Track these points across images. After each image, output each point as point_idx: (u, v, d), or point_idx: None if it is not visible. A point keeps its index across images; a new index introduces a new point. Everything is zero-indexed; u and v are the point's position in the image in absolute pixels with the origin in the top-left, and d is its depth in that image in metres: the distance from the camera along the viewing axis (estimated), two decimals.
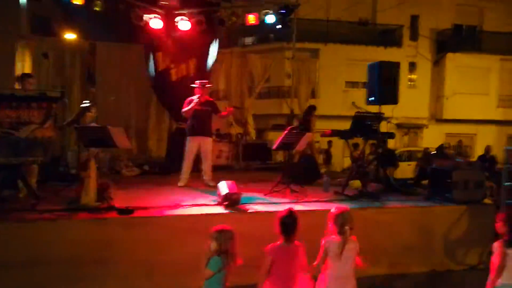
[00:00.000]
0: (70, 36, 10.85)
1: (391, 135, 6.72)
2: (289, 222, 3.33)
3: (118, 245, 4.21)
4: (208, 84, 6.89)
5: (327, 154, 12.70)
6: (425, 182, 7.46)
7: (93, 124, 4.95)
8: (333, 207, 3.54)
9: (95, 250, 4.14)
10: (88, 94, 8.74)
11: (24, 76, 5.55)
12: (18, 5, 8.65)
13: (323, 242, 3.39)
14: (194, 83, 6.70)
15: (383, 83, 6.82)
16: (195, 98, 6.50)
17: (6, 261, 3.90)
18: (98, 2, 7.85)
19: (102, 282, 4.05)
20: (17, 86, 6.18)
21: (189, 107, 6.47)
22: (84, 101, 5.64)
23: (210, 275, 3.07)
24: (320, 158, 10.23)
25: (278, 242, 3.35)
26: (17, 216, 4.28)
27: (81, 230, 4.21)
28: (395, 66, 7.09)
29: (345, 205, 3.75)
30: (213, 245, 3.10)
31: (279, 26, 9.35)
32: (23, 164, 4.89)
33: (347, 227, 3.29)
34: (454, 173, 5.63)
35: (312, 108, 9.07)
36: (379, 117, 6.17)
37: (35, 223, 4.17)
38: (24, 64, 8.49)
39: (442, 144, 9.82)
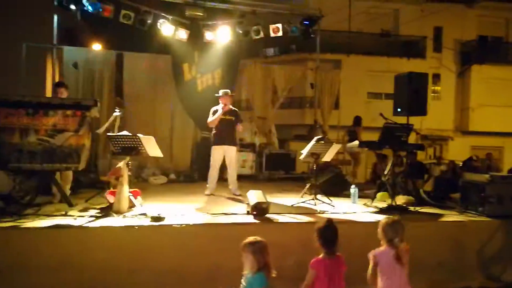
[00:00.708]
0: (97, 46, 11.14)
1: (421, 147, 6.62)
2: (329, 234, 3.27)
3: (149, 253, 4.23)
4: (232, 93, 6.95)
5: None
6: (454, 195, 7.29)
7: (125, 132, 5.01)
8: (381, 219, 3.46)
9: (128, 257, 4.16)
10: (116, 103, 8.92)
11: (58, 85, 5.71)
12: (51, 16, 8.93)
13: (372, 255, 3.32)
14: (218, 93, 6.76)
15: (412, 94, 6.77)
16: (219, 107, 6.55)
17: (38, 265, 3.95)
18: (127, 14, 8.04)
19: None
20: (50, 94, 6.37)
21: (215, 117, 6.52)
22: (115, 109, 5.74)
23: None
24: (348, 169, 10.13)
25: (320, 256, 3.28)
26: (49, 223, 4.35)
27: (113, 237, 4.24)
28: (424, 77, 7.04)
29: (395, 216, 3.65)
30: (251, 259, 3.04)
31: (304, 38, 9.40)
32: (57, 170, 5.00)
33: (397, 239, 3.24)
34: (488, 187, 5.48)
35: (359, 119, 9.02)
36: (408, 128, 6.08)
37: (69, 229, 4.23)
38: (54, 74, 8.74)
39: (471, 157, 9.58)
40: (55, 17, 8.59)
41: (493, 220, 5.30)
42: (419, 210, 5.81)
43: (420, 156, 9.77)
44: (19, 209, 4.67)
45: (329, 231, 3.26)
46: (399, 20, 18.60)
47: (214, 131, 6.70)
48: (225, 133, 6.58)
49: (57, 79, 8.70)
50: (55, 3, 7.76)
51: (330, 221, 3.33)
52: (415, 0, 18.37)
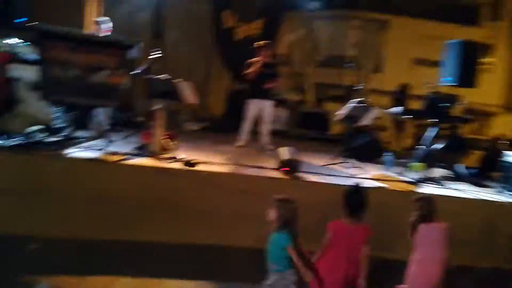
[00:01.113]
0: None
1: (466, 120, 6.28)
2: (355, 199, 3.16)
3: (180, 195, 4.34)
4: (271, 46, 6.72)
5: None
6: (495, 174, 6.99)
7: (165, 75, 4.98)
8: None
9: (159, 196, 4.29)
10: (154, 46, 8.85)
11: (98, 21, 5.65)
12: None
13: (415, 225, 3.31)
14: (256, 44, 6.54)
15: (462, 64, 6.33)
16: (257, 60, 6.36)
17: (74, 196, 4.14)
18: None
19: (164, 226, 4.23)
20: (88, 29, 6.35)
21: (252, 69, 6.36)
22: (154, 51, 5.67)
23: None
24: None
25: (341, 219, 3.22)
26: (89, 156, 4.49)
27: (147, 176, 4.35)
28: (477, 46, 6.54)
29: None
30: (277, 216, 3.01)
31: None
32: (95, 106, 5.09)
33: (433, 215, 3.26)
34: None
35: (406, 86, 8.61)
36: (454, 99, 5.75)
37: (105, 163, 4.36)
38: (95, 9, 8.67)
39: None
40: None
41: None
42: (455, 186, 5.61)
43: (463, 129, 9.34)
44: (58, 140, 4.83)
45: (356, 196, 3.17)
46: None
47: (250, 84, 6.57)
48: (262, 86, 6.45)
49: (96, 13, 8.67)
50: None
51: (358, 186, 3.22)
52: None
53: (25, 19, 5.74)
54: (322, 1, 17.11)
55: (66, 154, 4.41)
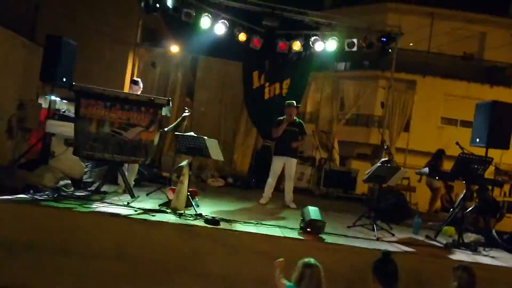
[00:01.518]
0: (175, 48, 11.67)
1: (499, 183, 6.05)
2: (387, 269, 2.91)
3: (200, 255, 4.27)
4: (298, 105, 6.90)
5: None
6: None
7: (191, 133, 5.15)
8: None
9: (179, 256, 4.24)
10: (185, 103, 9.27)
11: (133, 82, 6.00)
12: (136, 16, 9.51)
13: None
14: (284, 103, 6.74)
15: (494, 126, 6.22)
16: (284, 118, 6.52)
17: (94, 252, 4.16)
18: (207, 19, 8.31)
19: None
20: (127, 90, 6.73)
21: (279, 128, 6.49)
22: (185, 110, 5.93)
23: None
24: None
25: None
26: (113, 211, 4.57)
27: (168, 233, 4.35)
28: (510, 107, 6.44)
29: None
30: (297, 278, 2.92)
31: (379, 55, 9.10)
32: (126, 162, 5.26)
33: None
34: None
35: (442, 152, 8.53)
36: (487, 161, 5.59)
37: (128, 219, 4.40)
38: (134, 71, 9.29)
39: None
40: (140, 18, 9.14)
41: None
42: (489, 252, 5.29)
43: (495, 192, 8.97)
44: (86, 194, 4.97)
45: (387, 266, 2.91)
46: (484, 44, 17.37)
47: (276, 141, 6.68)
48: (287, 144, 6.54)
49: (136, 75, 9.26)
50: (142, 5, 8.23)
51: (387, 255, 2.99)
52: (505, 24, 17.05)
53: (67, 78, 6.18)
54: (350, 61, 17.71)
55: (90, 208, 4.49)
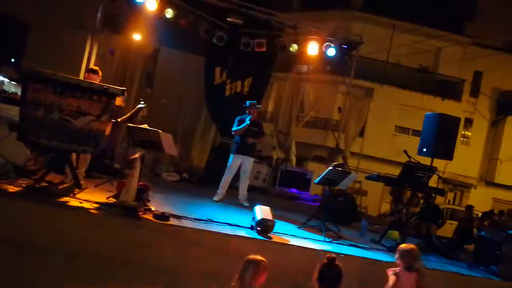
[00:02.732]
0: (136, 36, 11.33)
1: (441, 192, 6.39)
2: (330, 275, 2.93)
3: (147, 249, 4.19)
4: (259, 105, 6.94)
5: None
6: (468, 246, 7.01)
7: (145, 126, 5.03)
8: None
9: (123, 249, 4.13)
10: (144, 94, 9.06)
11: (90, 71, 5.76)
12: (96, 1, 9.15)
13: (393, 273, 3.57)
14: (245, 103, 6.74)
15: (440, 137, 6.55)
16: (246, 118, 6.52)
17: (32, 241, 3.94)
18: (170, 10, 8.15)
19: (126, 282, 4.01)
20: (82, 77, 6.48)
21: (241, 127, 6.49)
22: (140, 101, 5.78)
23: None
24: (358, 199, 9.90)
25: None
26: (58, 201, 4.37)
27: (115, 227, 4.23)
28: (456, 121, 6.81)
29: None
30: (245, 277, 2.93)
31: (340, 61, 9.33)
32: (73, 151, 5.05)
33: (416, 264, 3.50)
34: (505, 246, 5.22)
35: (471, 207, 8.78)
36: (431, 170, 5.88)
37: (72, 210, 4.24)
38: (91, 57, 8.93)
39: (492, 210, 9.21)
40: (101, 2, 8.79)
41: (503, 282, 5.03)
42: (428, 257, 5.57)
43: (439, 200, 9.48)
44: (29, 182, 4.72)
45: (331, 272, 2.94)
46: (439, 59, 18.27)
47: (235, 140, 6.66)
48: (246, 143, 6.55)
49: (93, 62, 8.91)
50: None
51: (332, 260, 2.98)
52: (460, 42, 18.03)
53: (16, 59, 5.86)
54: (312, 65, 18.02)
55: (32, 198, 4.28)
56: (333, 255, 3.10)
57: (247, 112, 6.60)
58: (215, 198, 6.59)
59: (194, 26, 8.50)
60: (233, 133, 6.64)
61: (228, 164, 6.66)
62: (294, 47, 8.97)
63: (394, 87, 17.41)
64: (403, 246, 3.75)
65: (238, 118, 6.66)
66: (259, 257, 3.06)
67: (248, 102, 6.74)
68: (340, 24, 14.01)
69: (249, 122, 6.45)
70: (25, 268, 3.81)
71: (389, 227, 6.28)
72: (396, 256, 3.67)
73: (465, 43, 18.08)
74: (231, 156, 6.66)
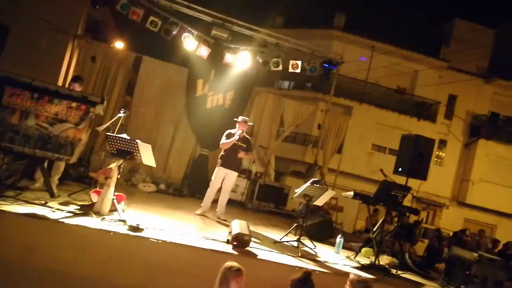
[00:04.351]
0: (119, 44, 11.26)
1: (415, 212, 6.52)
2: None
3: (118, 262, 4.09)
4: (250, 122, 6.95)
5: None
6: (439, 265, 7.15)
7: (124, 135, 4.97)
8: (351, 274, 3.36)
9: (96, 262, 4.02)
10: (124, 102, 8.94)
11: (74, 79, 5.65)
12: (82, 4, 9.05)
13: None
14: (236, 118, 6.72)
15: (416, 157, 6.73)
16: (236, 132, 6.51)
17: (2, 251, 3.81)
18: (155, 20, 8.15)
19: None
20: (61, 83, 6.34)
21: (229, 140, 6.46)
22: (120, 110, 5.71)
23: None
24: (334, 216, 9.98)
25: None
26: (26, 210, 4.25)
27: (86, 237, 4.12)
28: (431, 142, 7.02)
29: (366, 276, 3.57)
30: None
31: (320, 79, 9.50)
32: (47, 159, 4.93)
33: None
34: (475, 266, 5.36)
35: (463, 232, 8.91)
36: (406, 189, 6.01)
37: (43, 220, 4.12)
38: (71, 63, 8.80)
39: (463, 230, 9.44)
40: (84, 8, 8.71)
41: None
42: (401, 275, 5.66)
43: (412, 218, 9.65)
44: (0, 189, 4.57)
45: (306, 286, 3.03)
46: (416, 81, 18.85)
47: (222, 153, 6.63)
48: (233, 158, 6.52)
49: (73, 68, 8.77)
50: None
51: (307, 275, 3.09)
52: (436, 65, 18.66)
53: None
54: (293, 81, 18.28)
55: (1, 205, 4.14)
56: (309, 270, 3.13)
57: (237, 126, 6.59)
58: (198, 212, 6.52)
59: (179, 38, 8.51)
60: (220, 146, 6.61)
61: (213, 177, 6.61)
62: (276, 63, 9.07)
63: (372, 106, 17.81)
64: (355, 277, 3.36)
65: (227, 131, 6.64)
66: (237, 264, 3.06)
67: (241, 118, 6.73)
68: (322, 43, 14.29)
69: (237, 136, 6.44)
70: None
71: (364, 245, 6.35)
72: (347, 285, 3.31)
73: (441, 67, 18.74)
74: (217, 169, 6.60)
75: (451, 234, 10.56)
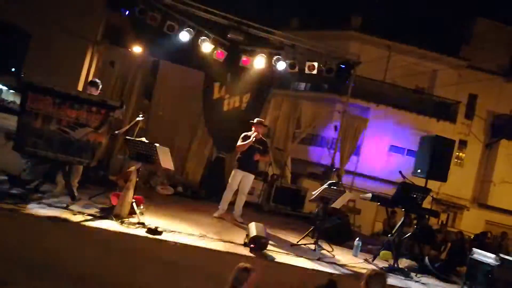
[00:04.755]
0: (137, 49, 11.42)
1: (435, 214, 6.41)
2: None
3: (138, 263, 4.16)
4: (266, 124, 6.96)
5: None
6: (461, 269, 7.00)
7: (143, 139, 5.04)
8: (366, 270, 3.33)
9: (115, 263, 4.09)
10: (142, 106, 9.08)
11: (91, 83, 5.78)
12: (101, 11, 9.24)
13: None
14: (252, 120, 6.73)
15: (435, 158, 6.63)
16: (251, 134, 6.53)
17: (25, 254, 3.89)
18: (172, 25, 8.25)
19: None
20: (81, 87, 6.47)
21: (245, 143, 6.48)
22: (139, 114, 5.79)
23: None
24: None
25: None
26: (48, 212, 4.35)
27: (106, 240, 4.20)
28: (451, 143, 6.90)
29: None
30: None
31: (337, 80, 9.44)
32: (69, 162, 5.04)
33: None
34: (497, 270, 5.23)
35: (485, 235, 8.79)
36: (426, 191, 5.92)
37: (65, 223, 4.22)
38: (91, 68, 8.99)
39: (484, 232, 9.22)
40: (104, 14, 8.89)
41: None
42: (421, 279, 5.57)
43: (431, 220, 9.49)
44: (23, 193, 4.70)
45: None
46: (435, 81, 18.54)
47: (239, 155, 6.67)
48: (249, 160, 6.54)
49: (93, 73, 8.95)
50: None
51: (333, 283, 3.07)
52: (455, 65, 18.32)
53: (17, 68, 5.89)
54: (309, 82, 18.20)
55: (24, 208, 4.25)
56: (335, 278, 3.12)
57: (252, 128, 6.61)
58: (216, 214, 6.55)
59: (195, 41, 8.59)
60: (236, 149, 6.64)
61: (230, 179, 6.64)
62: (292, 65, 9.07)
63: (389, 107, 17.59)
64: (371, 272, 3.33)
65: (243, 134, 6.66)
66: (249, 265, 3.08)
67: (256, 120, 6.75)
68: (339, 44, 14.20)
69: (253, 138, 6.46)
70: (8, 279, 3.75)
71: (382, 247, 6.28)
72: (363, 282, 3.25)
73: (460, 66, 18.38)
74: (234, 171, 6.63)
75: (472, 236, 10.33)
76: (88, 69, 8.94)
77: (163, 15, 8.25)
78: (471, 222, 17.11)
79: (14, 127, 4.83)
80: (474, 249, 6.26)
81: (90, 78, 8.75)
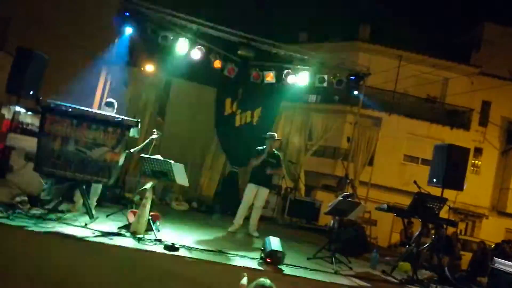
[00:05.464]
0: (149, 68, 11.65)
1: (453, 223, 6.32)
2: None
3: (156, 280, 4.19)
4: (278, 137, 7.02)
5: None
6: (482, 279, 6.86)
7: (158, 156, 5.13)
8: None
9: (134, 280, 4.13)
10: (156, 124, 9.23)
11: (107, 104, 5.90)
12: (111, 34, 9.49)
13: None
14: (257, 133, 6.81)
15: (450, 167, 6.55)
16: (265, 149, 6.59)
17: (43, 272, 3.94)
18: (184, 44, 8.42)
19: None
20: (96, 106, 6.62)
21: (258, 157, 6.53)
22: (153, 132, 5.90)
23: None
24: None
25: None
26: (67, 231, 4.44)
27: (124, 257, 4.25)
28: (466, 151, 6.82)
29: None
30: None
31: (348, 92, 9.47)
32: (87, 181, 5.14)
33: None
34: None
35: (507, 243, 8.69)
36: (442, 201, 5.85)
37: (85, 241, 4.29)
38: (105, 89, 9.20)
39: (507, 241, 9.01)
40: (116, 36, 9.12)
41: None
42: None
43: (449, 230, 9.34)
44: (42, 212, 4.80)
45: None
46: (447, 89, 18.41)
47: (253, 170, 6.72)
48: (263, 174, 6.59)
49: (107, 93, 9.16)
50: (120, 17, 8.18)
51: None
52: (467, 72, 18.19)
53: (34, 91, 6.07)
54: (320, 94, 18.25)
55: (44, 228, 4.34)
56: None
57: (266, 143, 6.66)
58: (231, 229, 6.57)
59: (206, 58, 8.75)
60: (251, 163, 6.68)
61: (244, 193, 6.68)
62: (302, 79, 9.14)
63: (402, 116, 17.50)
64: None
65: (257, 148, 6.71)
66: (268, 283, 3.06)
67: (269, 134, 6.80)
68: (348, 55, 14.26)
69: (266, 153, 6.51)
70: None
71: (400, 259, 6.19)
72: None
73: (472, 73, 18.24)
74: (248, 185, 6.67)
75: (493, 245, 10.12)
76: (103, 89, 9.16)
77: (173, 34, 8.43)
78: (491, 231, 16.73)
79: (34, 148, 4.96)
80: (496, 259, 6.14)
81: (104, 98, 8.96)
